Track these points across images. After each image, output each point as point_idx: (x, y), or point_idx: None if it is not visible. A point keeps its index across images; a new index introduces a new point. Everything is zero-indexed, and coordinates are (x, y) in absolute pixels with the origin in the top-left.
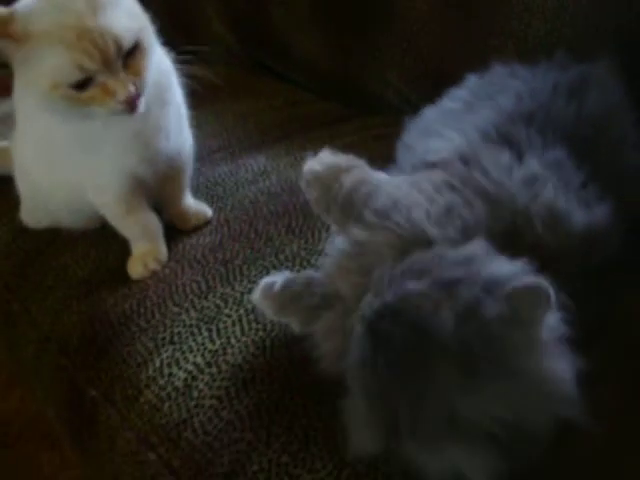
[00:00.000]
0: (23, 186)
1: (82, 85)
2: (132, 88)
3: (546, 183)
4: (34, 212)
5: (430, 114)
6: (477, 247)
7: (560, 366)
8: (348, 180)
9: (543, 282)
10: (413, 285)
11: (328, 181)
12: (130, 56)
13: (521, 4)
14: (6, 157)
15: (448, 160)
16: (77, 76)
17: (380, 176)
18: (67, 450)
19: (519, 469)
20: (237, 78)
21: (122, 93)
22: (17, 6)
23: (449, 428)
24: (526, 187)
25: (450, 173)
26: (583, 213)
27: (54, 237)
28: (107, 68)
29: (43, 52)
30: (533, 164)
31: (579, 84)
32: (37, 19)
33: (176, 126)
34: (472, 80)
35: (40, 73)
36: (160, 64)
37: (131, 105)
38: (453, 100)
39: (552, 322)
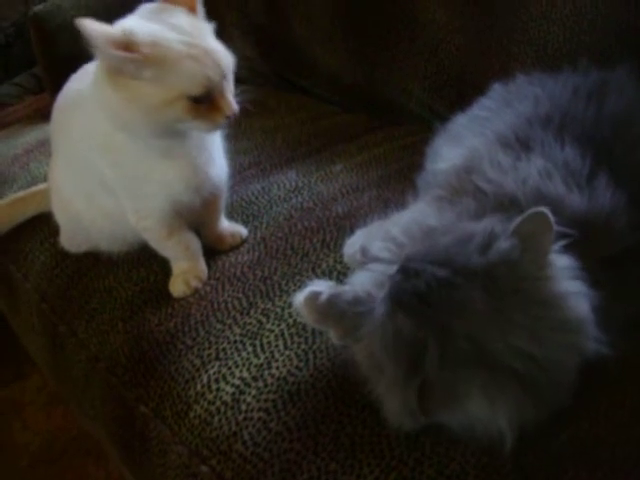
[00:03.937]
0: (62, 214)
1: (198, 100)
2: (236, 107)
3: (538, 173)
4: (74, 238)
5: (459, 121)
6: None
7: (575, 290)
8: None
9: (543, 208)
10: (439, 240)
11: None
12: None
13: (540, 12)
14: (47, 197)
15: (451, 169)
16: (204, 86)
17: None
18: (112, 466)
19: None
20: (262, 94)
21: (228, 110)
22: (121, 26)
23: (475, 360)
24: (518, 179)
25: (439, 187)
26: (580, 198)
27: (95, 261)
28: (221, 86)
29: (174, 66)
30: (537, 162)
31: (599, 88)
32: (161, 39)
33: (218, 154)
34: (497, 88)
35: (168, 85)
36: None
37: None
38: (480, 108)
39: (558, 251)
